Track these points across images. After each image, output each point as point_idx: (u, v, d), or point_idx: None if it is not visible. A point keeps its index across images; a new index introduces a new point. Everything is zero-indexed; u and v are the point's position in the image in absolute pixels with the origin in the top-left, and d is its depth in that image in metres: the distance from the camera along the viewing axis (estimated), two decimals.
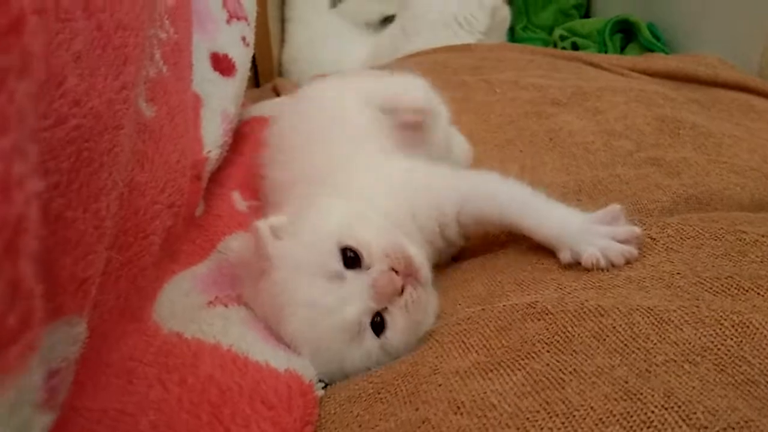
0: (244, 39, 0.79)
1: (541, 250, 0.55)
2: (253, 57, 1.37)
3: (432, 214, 0.57)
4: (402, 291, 0.47)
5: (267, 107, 0.93)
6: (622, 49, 1.39)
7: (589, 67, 1.07)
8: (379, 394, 0.42)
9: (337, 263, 0.47)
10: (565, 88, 0.93)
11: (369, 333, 0.46)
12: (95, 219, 0.33)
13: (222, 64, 0.72)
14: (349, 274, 0.47)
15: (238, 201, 0.69)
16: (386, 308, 0.47)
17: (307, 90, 0.76)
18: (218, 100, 0.69)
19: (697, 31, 1.26)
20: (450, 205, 0.57)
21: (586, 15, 1.66)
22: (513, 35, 1.66)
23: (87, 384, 0.34)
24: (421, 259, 0.49)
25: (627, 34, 1.41)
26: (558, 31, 1.54)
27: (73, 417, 0.31)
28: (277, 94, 1.21)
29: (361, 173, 0.59)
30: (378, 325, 0.46)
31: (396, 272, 0.47)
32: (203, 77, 0.68)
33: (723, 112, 0.91)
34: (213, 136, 0.69)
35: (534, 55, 1.13)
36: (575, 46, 1.44)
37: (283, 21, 1.59)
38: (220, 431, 0.33)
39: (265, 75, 1.37)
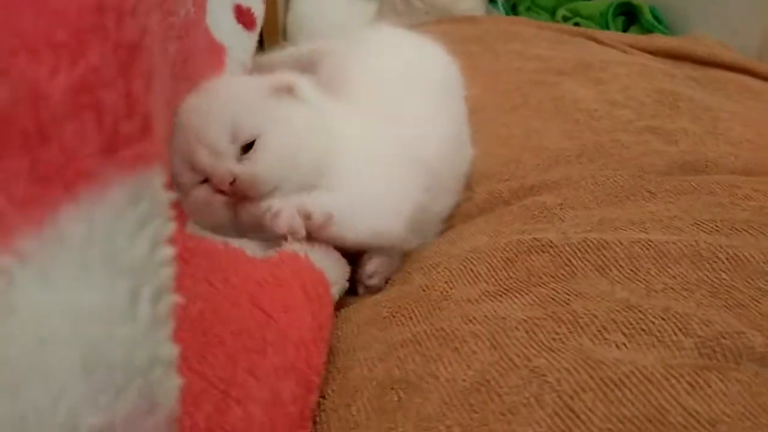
0: None
1: (546, 205, 0.58)
2: None
3: None
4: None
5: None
6: (624, 31, 1.41)
7: (592, 42, 1.10)
8: (394, 317, 0.45)
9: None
10: (569, 60, 0.95)
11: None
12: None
13: (245, 17, 0.73)
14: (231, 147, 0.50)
15: None
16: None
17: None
18: (240, 52, 0.71)
19: (697, 14, 1.29)
20: None
21: None
22: (516, 15, 1.68)
23: None
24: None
25: (629, 16, 1.44)
26: (561, 12, 1.56)
27: None
28: None
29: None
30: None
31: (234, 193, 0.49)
32: (228, 28, 0.70)
33: (720, 90, 0.94)
34: None
35: (539, 29, 1.15)
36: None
37: None
38: (261, 317, 0.36)
39: (270, 39, 1.38)
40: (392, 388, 0.35)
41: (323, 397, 0.37)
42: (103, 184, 0.19)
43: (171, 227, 0.22)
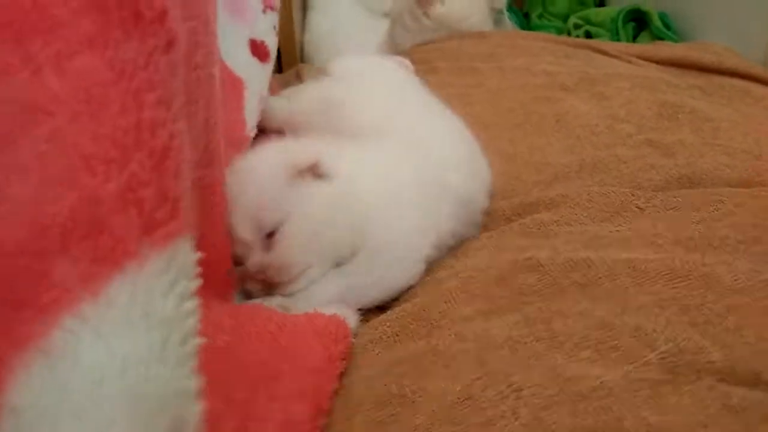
0: (275, 27, 0.86)
1: (543, 222, 0.62)
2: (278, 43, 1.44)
3: None
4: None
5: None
6: (634, 38, 1.43)
7: (598, 54, 1.13)
8: (397, 336, 0.49)
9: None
10: (574, 74, 0.98)
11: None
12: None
13: (260, 51, 0.79)
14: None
15: None
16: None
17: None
18: (257, 84, 0.76)
19: (706, 20, 1.31)
20: None
21: (601, 4, 1.71)
22: (529, 23, 1.71)
23: None
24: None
25: (639, 23, 1.45)
26: (572, 20, 1.59)
27: None
28: (301, 80, 1.28)
29: None
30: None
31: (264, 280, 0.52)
32: (245, 62, 0.75)
33: (723, 98, 0.96)
34: (252, 117, 0.75)
35: (546, 42, 1.18)
36: (588, 35, 1.49)
37: (305, 8, 1.66)
38: (278, 350, 0.41)
39: (289, 61, 1.44)
40: (389, 403, 0.39)
41: (330, 412, 0.42)
42: (142, 259, 0.25)
43: (196, 283, 0.28)
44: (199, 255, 0.28)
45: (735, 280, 0.43)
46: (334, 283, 0.54)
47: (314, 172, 0.55)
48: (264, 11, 0.83)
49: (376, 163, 0.59)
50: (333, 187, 0.55)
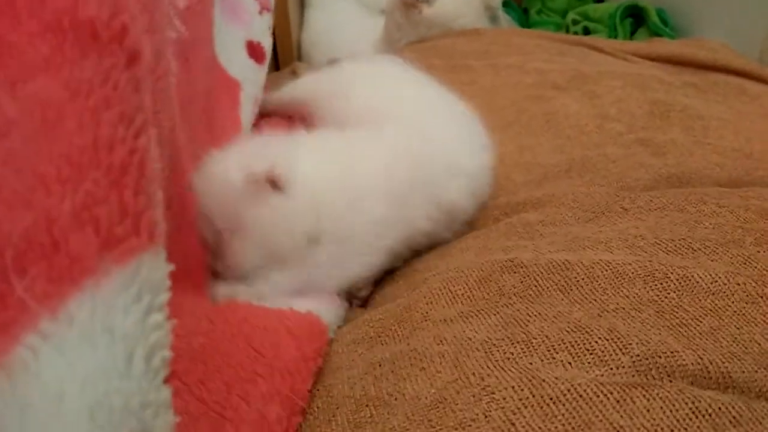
0: (270, 29, 0.87)
1: (529, 222, 0.62)
2: (274, 41, 1.45)
3: None
4: None
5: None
6: (632, 34, 1.43)
7: (593, 51, 1.12)
8: (379, 337, 0.49)
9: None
10: (566, 73, 0.98)
11: None
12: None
13: (256, 52, 0.80)
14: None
15: None
16: None
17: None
18: (252, 86, 0.77)
19: (703, 16, 1.30)
20: None
21: (599, 0, 1.70)
22: (528, 19, 1.71)
23: None
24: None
25: (637, 19, 1.45)
26: (571, 15, 1.59)
27: None
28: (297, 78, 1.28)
29: None
30: None
31: None
32: (242, 64, 0.76)
33: (718, 96, 0.96)
34: (247, 118, 0.76)
35: (540, 40, 1.18)
36: (587, 31, 1.49)
37: (302, 6, 1.67)
38: (252, 354, 0.41)
39: (285, 59, 1.45)
40: (367, 405, 0.40)
41: (310, 413, 0.42)
42: (101, 275, 0.26)
43: (164, 297, 0.28)
44: (171, 267, 0.29)
45: (712, 282, 0.43)
46: (293, 275, 0.55)
47: (269, 181, 0.55)
48: (260, 12, 0.84)
49: (343, 152, 0.60)
50: (287, 200, 0.55)
